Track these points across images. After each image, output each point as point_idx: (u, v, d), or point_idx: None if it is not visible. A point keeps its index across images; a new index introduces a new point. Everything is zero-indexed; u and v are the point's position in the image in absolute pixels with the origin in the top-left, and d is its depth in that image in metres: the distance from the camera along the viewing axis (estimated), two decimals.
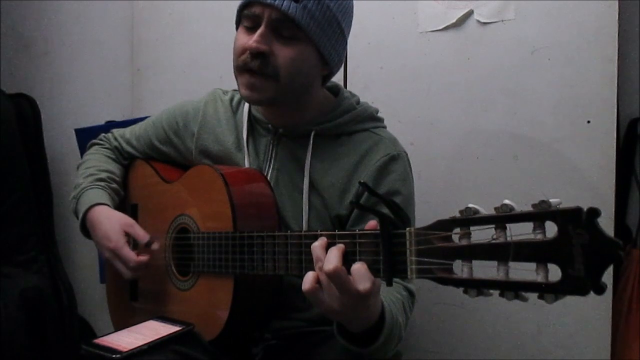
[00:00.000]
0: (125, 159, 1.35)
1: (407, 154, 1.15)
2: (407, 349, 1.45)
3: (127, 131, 1.36)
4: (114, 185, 1.27)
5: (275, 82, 1.04)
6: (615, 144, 1.32)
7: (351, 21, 1.11)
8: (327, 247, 0.80)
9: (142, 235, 1.14)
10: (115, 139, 1.36)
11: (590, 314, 1.33)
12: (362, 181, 0.83)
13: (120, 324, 1.27)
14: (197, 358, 1.01)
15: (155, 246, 1.13)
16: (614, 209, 1.32)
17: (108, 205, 1.19)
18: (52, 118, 2.07)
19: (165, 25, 1.91)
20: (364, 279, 0.75)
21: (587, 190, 1.33)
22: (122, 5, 2.02)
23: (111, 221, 1.15)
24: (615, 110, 1.32)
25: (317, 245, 0.80)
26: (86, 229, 1.21)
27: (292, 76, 1.04)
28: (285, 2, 0.99)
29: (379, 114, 1.20)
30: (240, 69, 1.05)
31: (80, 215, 1.19)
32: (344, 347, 0.89)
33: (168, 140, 1.27)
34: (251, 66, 1.03)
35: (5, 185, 1.85)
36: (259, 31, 1.02)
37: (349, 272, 0.76)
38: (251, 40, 1.02)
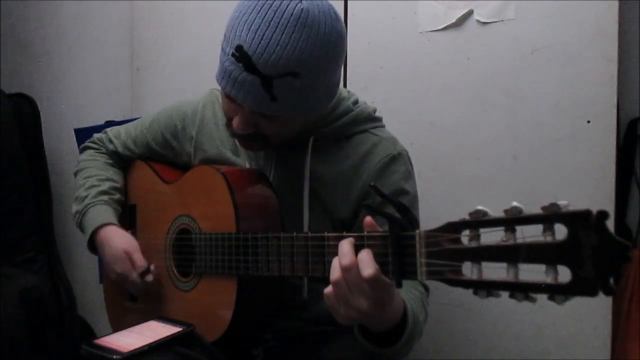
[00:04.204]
0: (123, 162, 1.34)
1: (407, 152, 1.13)
2: None
3: (122, 132, 1.33)
4: (117, 196, 1.27)
5: (269, 142, 1.05)
6: (615, 144, 1.32)
7: (344, 51, 1.00)
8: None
9: (139, 264, 1.15)
10: (111, 141, 1.33)
11: (590, 314, 1.33)
12: (372, 184, 0.83)
13: (119, 324, 1.27)
14: (198, 359, 1.01)
15: (149, 278, 1.15)
16: (614, 209, 1.32)
17: (114, 224, 1.21)
18: (52, 118, 2.07)
19: (164, 25, 1.91)
20: (368, 265, 0.75)
21: (587, 190, 1.33)
22: (122, 5, 2.02)
23: (116, 245, 1.17)
24: (615, 110, 1.32)
25: (346, 242, 0.79)
26: (93, 246, 1.22)
27: (285, 136, 1.06)
28: (263, 105, 0.93)
29: (377, 113, 1.18)
30: (231, 134, 1.07)
31: (88, 236, 1.21)
32: (346, 348, 0.88)
33: (166, 143, 1.25)
34: (241, 139, 1.06)
35: (5, 185, 1.85)
36: (238, 118, 1.00)
37: None
38: (235, 124, 1.02)
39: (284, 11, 0.88)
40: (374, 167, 1.07)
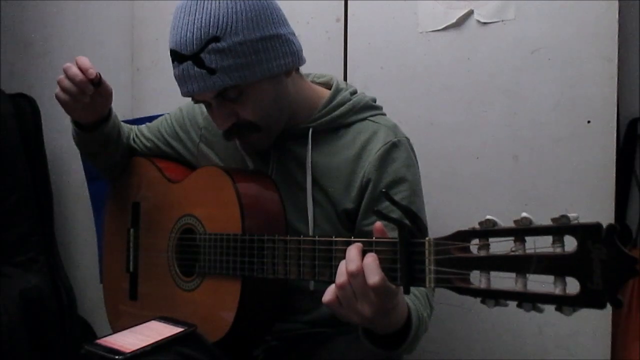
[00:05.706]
0: (134, 141, 1.36)
1: (408, 140, 1.13)
2: None
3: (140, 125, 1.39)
4: (119, 127, 1.29)
5: (260, 131, 1.06)
6: (615, 144, 1.32)
7: (273, 11, 1.02)
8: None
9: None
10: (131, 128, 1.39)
11: (590, 314, 1.32)
12: (383, 190, 0.84)
13: (119, 324, 1.27)
14: (200, 359, 1.01)
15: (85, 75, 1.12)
16: (614, 209, 1.32)
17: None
18: (52, 118, 2.07)
19: (165, 25, 1.88)
20: (373, 273, 0.75)
21: (587, 190, 1.33)
22: (122, 5, 2.01)
23: None
24: (615, 110, 1.32)
25: (354, 247, 0.79)
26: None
27: (268, 116, 1.05)
28: (207, 83, 0.97)
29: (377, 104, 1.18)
30: (226, 138, 1.09)
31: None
32: (346, 349, 0.88)
33: (175, 134, 1.28)
34: (232, 137, 1.08)
35: (5, 185, 1.85)
36: (214, 115, 1.05)
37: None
38: (215, 122, 1.06)
39: (184, 3, 1.00)
40: (373, 155, 1.07)
